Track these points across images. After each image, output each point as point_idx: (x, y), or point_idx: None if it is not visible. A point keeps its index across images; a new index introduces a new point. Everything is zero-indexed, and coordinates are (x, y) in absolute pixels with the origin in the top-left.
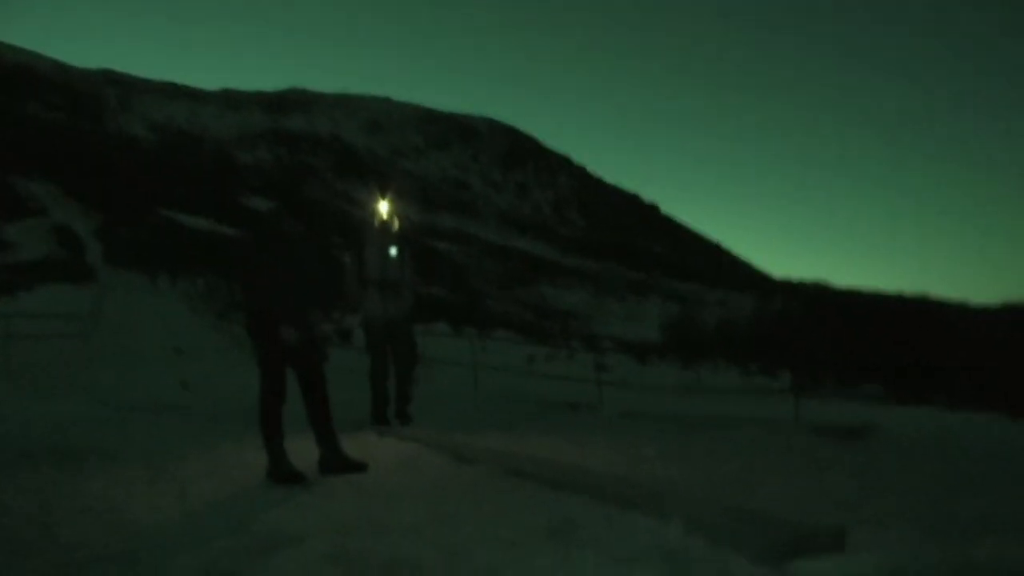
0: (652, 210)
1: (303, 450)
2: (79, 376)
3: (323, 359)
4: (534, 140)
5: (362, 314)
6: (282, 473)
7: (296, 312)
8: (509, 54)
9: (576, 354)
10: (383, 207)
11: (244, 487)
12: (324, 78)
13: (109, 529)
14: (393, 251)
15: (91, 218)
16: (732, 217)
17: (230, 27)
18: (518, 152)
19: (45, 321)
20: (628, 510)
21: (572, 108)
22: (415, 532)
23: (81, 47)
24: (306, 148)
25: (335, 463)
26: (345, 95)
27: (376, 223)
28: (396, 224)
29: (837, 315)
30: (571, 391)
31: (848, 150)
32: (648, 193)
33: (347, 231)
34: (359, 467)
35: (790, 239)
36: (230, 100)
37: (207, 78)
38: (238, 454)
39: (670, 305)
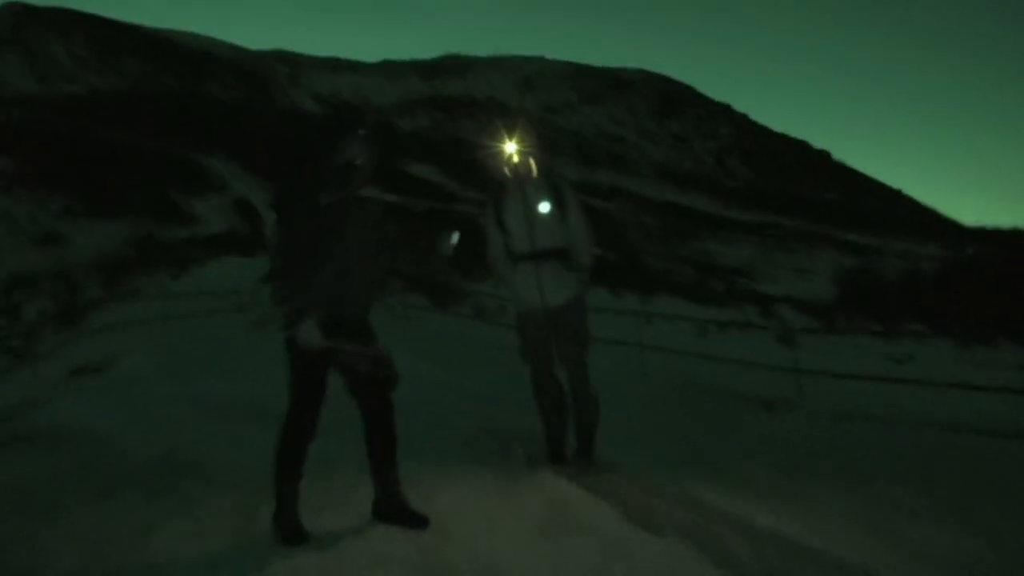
0: (823, 157)
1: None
2: (220, 364)
3: (389, 380)
4: (691, 88)
5: (511, 305)
6: (284, 527)
7: (333, 309)
8: (660, 2)
9: (751, 320)
10: (511, 148)
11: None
12: (478, 41)
13: None
14: (544, 207)
15: (267, 190)
16: (915, 161)
17: None
18: (674, 102)
19: (210, 299)
20: None
21: (730, 53)
22: None
23: (254, 30)
24: (462, 112)
25: (392, 510)
26: (498, 57)
27: (508, 172)
28: (536, 170)
29: None
30: (759, 378)
31: None
32: (819, 140)
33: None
34: (418, 521)
35: (982, 184)
36: (389, 70)
37: (368, 50)
38: (354, 491)
39: (845, 258)
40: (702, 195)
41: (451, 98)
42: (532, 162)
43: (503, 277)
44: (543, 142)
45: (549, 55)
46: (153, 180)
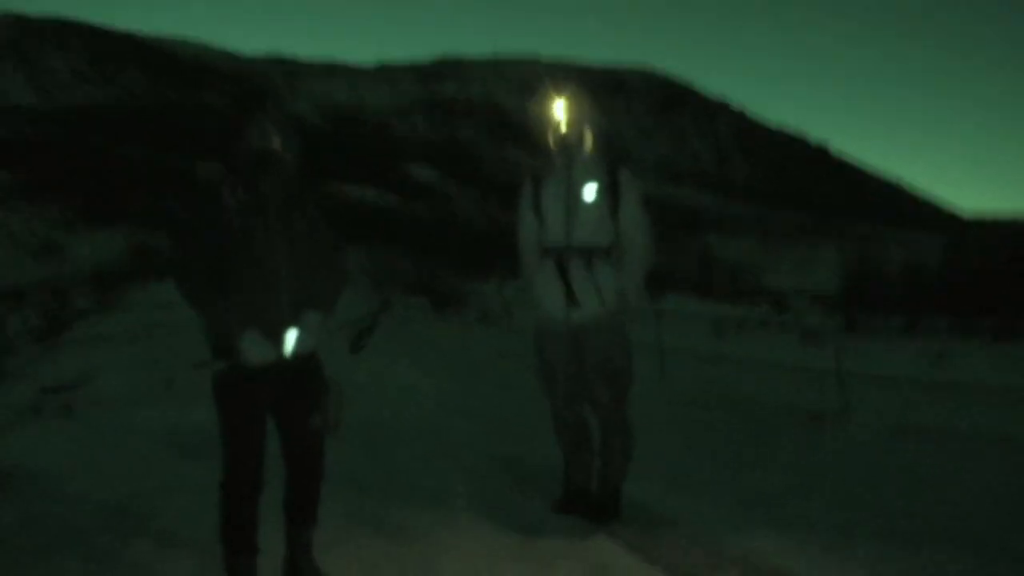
0: (821, 150)
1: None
2: (204, 385)
3: (324, 419)
4: (688, 86)
5: (535, 313)
6: None
7: (270, 322)
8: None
9: (767, 318)
10: (560, 113)
11: None
12: (475, 42)
13: None
14: (590, 193)
15: None
16: (912, 151)
17: None
18: (672, 99)
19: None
20: None
21: (727, 50)
22: None
23: (251, 33)
24: (460, 114)
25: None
26: (495, 59)
27: (553, 144)
28: (590, 144)
29: None
30: (792, 384)
31: None
32: (816, 132)
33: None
34: None
35: (981, 172)
36: (386, 73)
37: (364, 53)
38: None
39: (846, 250)
40: (701, 191)
41: (448, 100)
42: (586, 134)
43: (527, 274)
44: (599, 116)
45: (547, 54)
46: (151, 189)
